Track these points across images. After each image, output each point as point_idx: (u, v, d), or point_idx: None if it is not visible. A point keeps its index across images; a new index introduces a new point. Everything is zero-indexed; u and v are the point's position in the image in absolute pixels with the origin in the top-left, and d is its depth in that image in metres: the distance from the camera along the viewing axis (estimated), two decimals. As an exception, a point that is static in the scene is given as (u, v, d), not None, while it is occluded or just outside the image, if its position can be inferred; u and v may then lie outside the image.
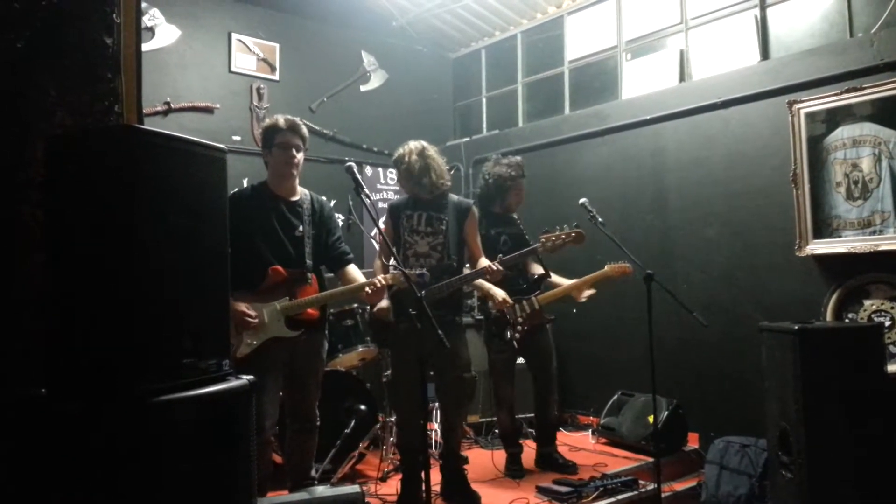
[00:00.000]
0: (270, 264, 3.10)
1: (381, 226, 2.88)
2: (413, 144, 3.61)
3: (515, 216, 4.30)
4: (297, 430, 3.26)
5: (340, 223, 5.54)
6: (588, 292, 4.15)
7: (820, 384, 3.09)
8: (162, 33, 5.11)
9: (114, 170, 1.55)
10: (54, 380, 1.61)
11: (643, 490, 3.70)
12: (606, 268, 4.12)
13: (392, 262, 3.31)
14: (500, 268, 3.47)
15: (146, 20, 4.92)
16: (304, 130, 3.26)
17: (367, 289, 3.11)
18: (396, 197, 4.65)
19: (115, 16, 2.15)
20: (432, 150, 3.63)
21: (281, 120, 3.22)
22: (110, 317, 1.52)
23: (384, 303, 3.45)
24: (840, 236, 4.04)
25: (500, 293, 3.75)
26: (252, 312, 3.00)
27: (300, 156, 3.22)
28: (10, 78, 1.95)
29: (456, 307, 3.62)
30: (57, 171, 1.66)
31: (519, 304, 3.99)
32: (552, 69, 6.23)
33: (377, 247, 3.79)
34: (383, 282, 3.09)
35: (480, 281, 3.73)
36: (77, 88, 2.06)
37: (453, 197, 3.68)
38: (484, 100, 6.92)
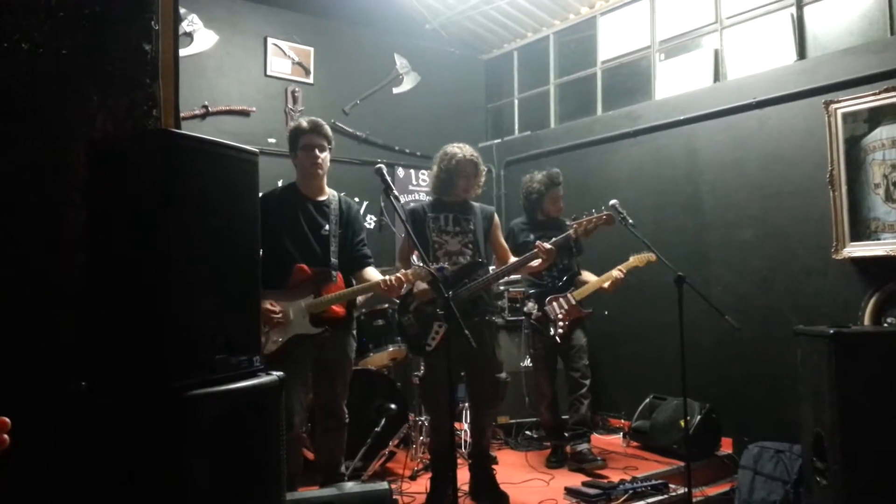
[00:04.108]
0: (296, 263, 3.14)
1: (408, 227, 2.90)
2: (469, 148, 3.66)
3: (567, 221, 4.26)
4: (327, 428, 3.31)
5: (373, 224, 5.62)
6: (616, 275, 4.22)
7: (855, 389, 3.03)
8: (200, 38, 5.23)
9: (150, 172, 1.61)
10: (93, 374, 1.67)
11: (674, 494, 3.67)
12: (632, 258, 4.26)
13: (415, 258, 3.35)
14: (552, 247, 3.49)
15: (185, 26, 5.04)
16: (327, 130, 3.30)
17: (382, 285, 3.10)
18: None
19: (153, 23, 2.22)
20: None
21: (304, 122, 3.28)
22: (146, 314, 1.58)
23: (422, 284, 3.36)
24: (878, 239, 3.96)
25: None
26: (277, 309, 3.04)
27: (324, 155, 3.27)
28: (56, 84, 2.04)
29: (491, 306, 3.65)
30: (97, 174, 1.73)
31: (557, 301, 4.25)
32: (585, 70, 6.21)
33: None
34: (402, 277, 3.08)
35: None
36: (118, 94, 2.13)
37: (475, 203, 3.73)
38: (516, 101, 6.93)
